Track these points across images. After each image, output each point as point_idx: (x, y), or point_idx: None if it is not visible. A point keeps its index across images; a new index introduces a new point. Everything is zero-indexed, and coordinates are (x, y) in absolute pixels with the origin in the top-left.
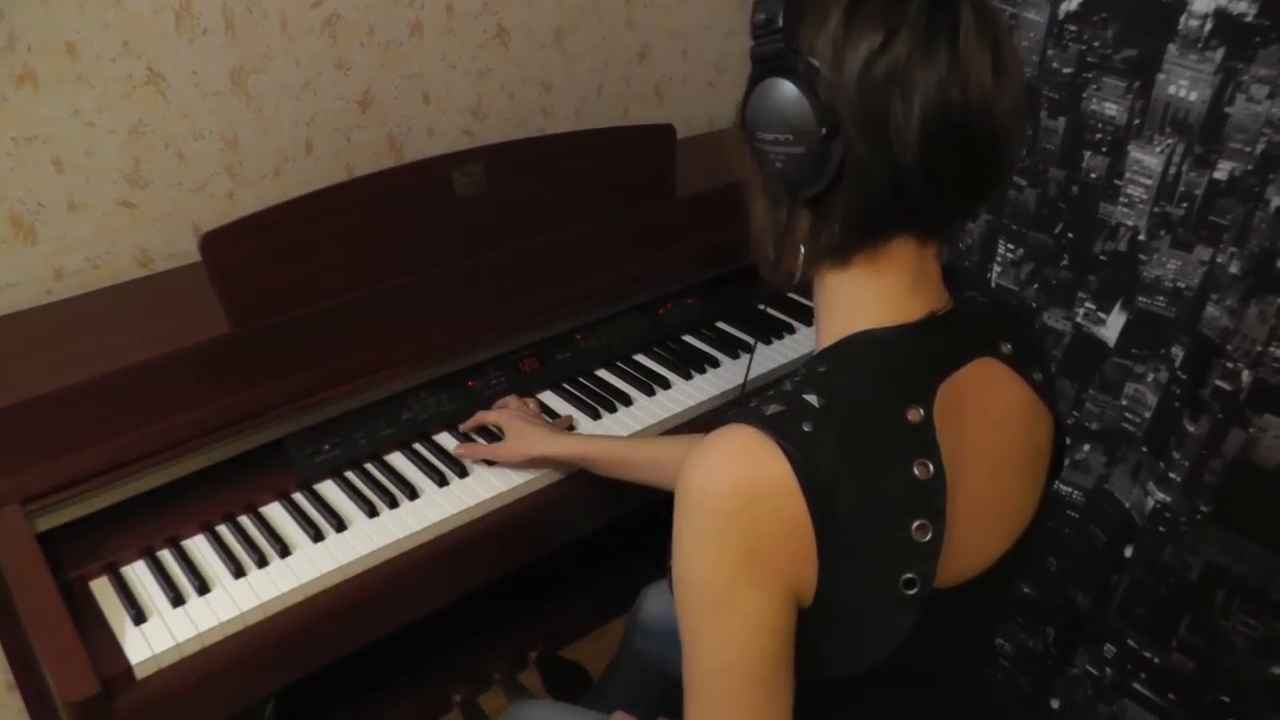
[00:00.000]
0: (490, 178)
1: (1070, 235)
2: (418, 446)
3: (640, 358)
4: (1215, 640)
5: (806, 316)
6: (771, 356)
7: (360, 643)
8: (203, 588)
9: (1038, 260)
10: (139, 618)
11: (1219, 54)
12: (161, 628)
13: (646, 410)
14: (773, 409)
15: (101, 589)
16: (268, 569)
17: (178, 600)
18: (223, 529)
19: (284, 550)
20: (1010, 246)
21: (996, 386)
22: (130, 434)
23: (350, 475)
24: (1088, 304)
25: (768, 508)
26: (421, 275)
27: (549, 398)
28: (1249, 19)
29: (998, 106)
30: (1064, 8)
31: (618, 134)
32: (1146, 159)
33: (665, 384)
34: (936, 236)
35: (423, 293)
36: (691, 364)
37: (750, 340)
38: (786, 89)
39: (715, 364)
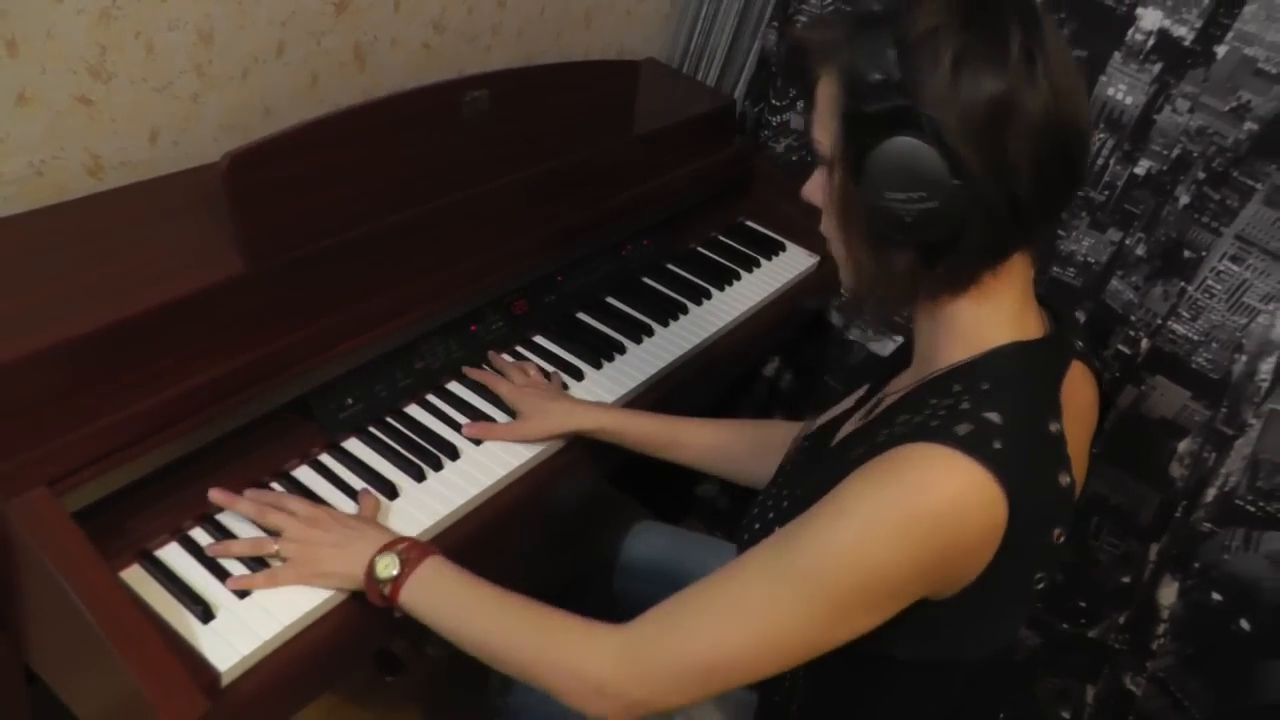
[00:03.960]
0: (495, 106)
1: None
2: (432, 398)
3: (613, 301)
4: (1084, 557)
5: (747, 261)
6: (729, 301)
7: None
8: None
9: None
10: (207, 614)
11: (1156, 68)
12: (238, 624)
13: (644, 360)
14: (964, 429)
15: (140, 581)
16: None
17: (243, 592)
18: None
19: None
20: None
21: (1081, 384)
22: (146, 397)
23: (376, 432)
24: None
25: (974, 523)
26: (429, 207)
27: (548, 344)
28: (1186, 42)
29: (1082, 111)
30: None
31: (602, 67)
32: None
33: (649, 331)
34: (1037, 247)
35: (430, 227)
36: (666, 311)
37: (706, 286)
38: (916, 148)
39: (685, 310)
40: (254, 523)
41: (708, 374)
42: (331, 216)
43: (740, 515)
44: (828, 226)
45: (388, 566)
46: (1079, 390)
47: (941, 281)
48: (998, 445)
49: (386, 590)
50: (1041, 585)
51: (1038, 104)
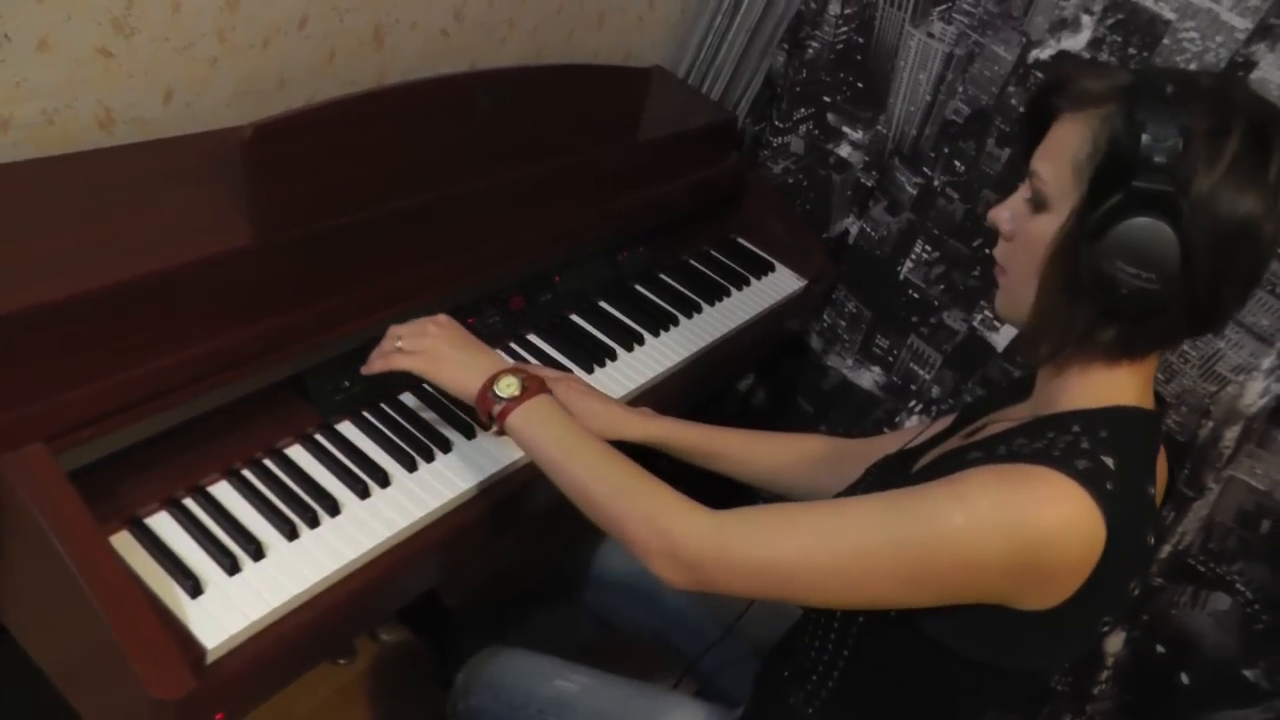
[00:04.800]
0: (511, 101)
1: (987, 250)
2: (429, 387)
3: (607, 306)
4: None
5: (736, 278)
6: (717, 317)
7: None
8: (257, 552)
9: (951, 265)
10: (196, 589)
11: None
12: (225, 602)
13: (633, 368)
14: (1083, 465)
15: (128, 548)
16: (319, 530)
17: (234, 568)
18: (248, 474)
19: (333, 508)
20: (927, 248)
21: (1161, 464)
22: (147, 361)
23: (369, 416)
24: (986, 312)
25: (1075, 549)
26: (439, 196)
27: (541, 344)
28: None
29: None
30: (1035, 54)
31: (617, 74)
32: None
33: (640, 339)
34: None
35: (438, 216)
36: (657, 321)
37: (697, 300)
38: (1165, 235)
39: (675, 322)
40: (248, 499)
41: (692, 387)
42: (344, 197)
43: None
44: (1019, 261)
45: (510, 386)
46: (1161, 467)
47: (1108, 344)
48: (1110, 486)
49: (497, 409)
50: (1106, 629)
51: (1273, 231)
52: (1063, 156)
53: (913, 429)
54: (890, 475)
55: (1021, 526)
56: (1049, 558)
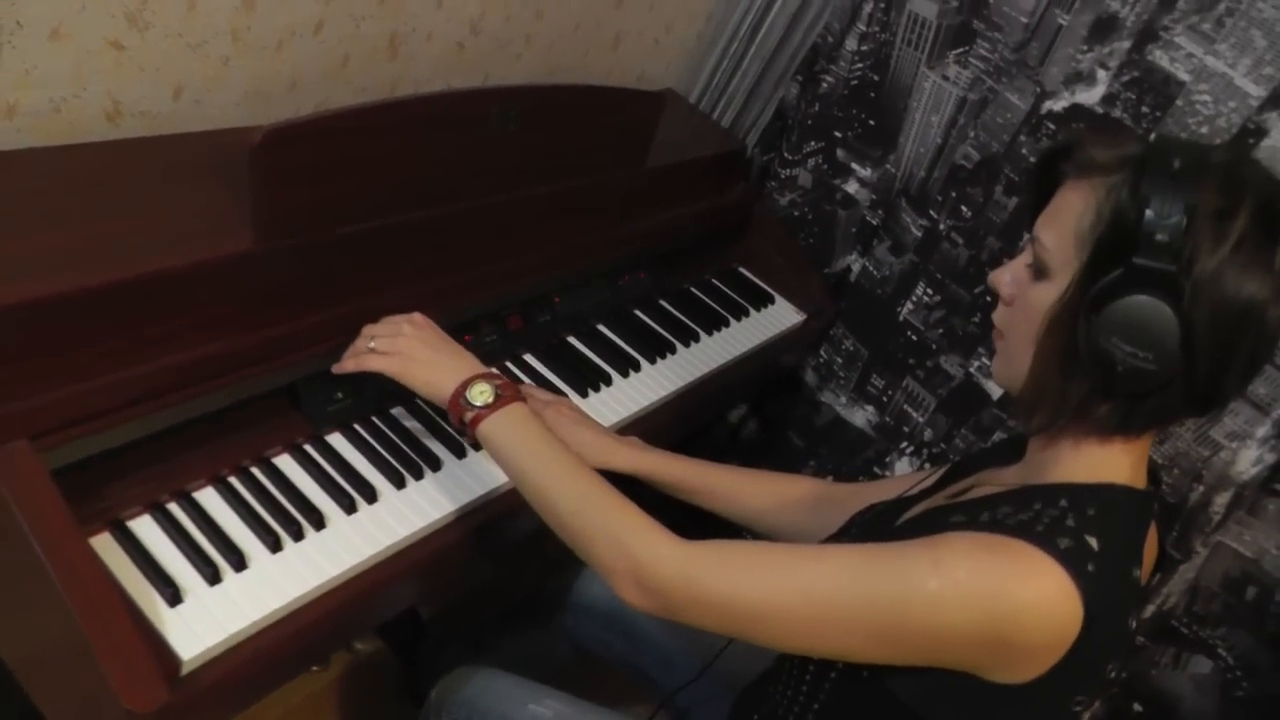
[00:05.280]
0: (523, 119)
1: (989, 299)
2: (420, 403)
3: (605, 330)
4: None
5: (736, 309)
6: (714, 347)
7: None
8: (239, 563)
9: (950, 310)
10: (175, 598)
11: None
12: (203, 613)
13: (628, 394)
14: (1065, 544)
15: (108, 550)
16: (303, 544)
17: (215, 578)
18: (235, 482)
19: (319, 522)
20: (929, 291)
21: (1151, 544)
22: (139, 363)
23: (360, 430)
24: (984, 358)
25: (1050, 629)
26: (445, 211)
27: (537, 365)
28: None
29: None
30: (1048, 105)
31: (632, 97)
32: None
33: (636, 366)
34: None
35: (442, 231)
36: (654, 348)
37: (695, 329)
38: (1164, 315)
39: (673, 350)
40: (233, 508)
41: (685, 417)
42: (349, 207)
43: None
44: (1017, 328)
45: (483, 393)
46: (1150, 547)
47: (1102, 419)
48: (1091, 568)
49: (469, 416)
50: (1080, 708)
51: (1278, 315)
52: (1066, 224)
53: (900, 479)
54: (874, 527)
55: (995, 599)
56: (1021, 634)
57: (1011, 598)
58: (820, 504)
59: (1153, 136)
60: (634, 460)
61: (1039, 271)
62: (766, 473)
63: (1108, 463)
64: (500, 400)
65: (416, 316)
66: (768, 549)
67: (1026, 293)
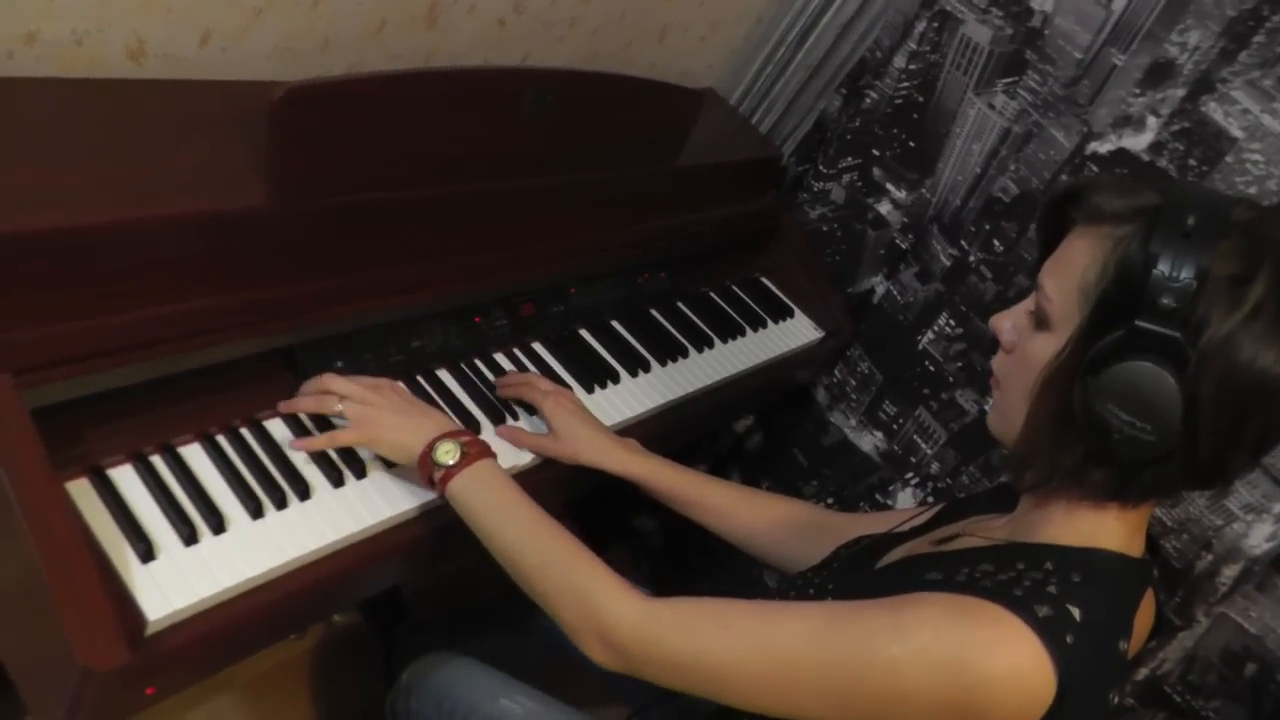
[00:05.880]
0: (559, 104)
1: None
2: (420, 380)
3: (618, 326)
4: None
5: (754, 319)
6: (728, 356)
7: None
8: (219, 525)
9: (971, 344)
10: (148, 554)
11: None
12: (175, 574)
13: (634, 395)
14: (1044, 612)
15: (85, 497)
16: (286, 513)
17: (191, 538)
18: (222, 440)
19: (304, 492)
20: (951, 322)
21: (1146, 610)
22: (136, 309)
23: None
24: None
25: (1016, 702)
26: (467, 189)
27: (545, 355)
28: None
29: None
30: (1093, 146)
31: (671, 93)
32: None
33: (646, 366)
34: None
35: (462, 209)
36: (667, 350)
37: (710, 334)
38: (1165, 384)
39: (685, 354)
40: (218, 467)
41: (689, 424)
42: (370, 174)
43: (672, 559)
44: (1014, 378)
45: (449, 453)
46: (1144, 616)
47: (1096, 484)
48: (1069, 640)
49: (438, 475)
50: None
51: None
52: (1070, 275)
53: (893, 514)
54: (854, 566)
55: (959, 667)
56: (984, 705)
57: (977, 667)
58: (812, 532)
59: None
60: (628, 463)
61: (1040, 321)
62: (761, 493)
63: (1101, 527)
64: (466, 459)
65: (383, 382)
66: (729, 608)
67: (1026, 343)
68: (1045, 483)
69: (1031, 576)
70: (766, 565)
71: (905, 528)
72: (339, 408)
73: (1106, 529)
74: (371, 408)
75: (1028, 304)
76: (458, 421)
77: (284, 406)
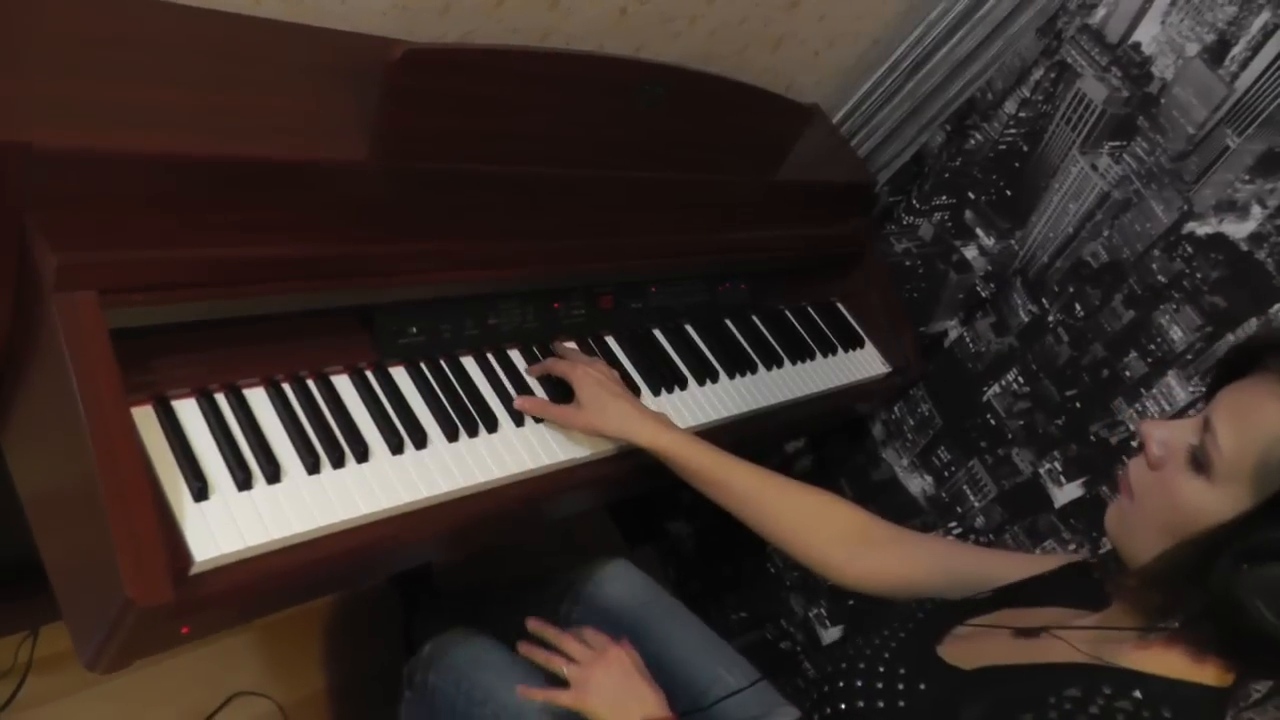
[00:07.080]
0: (669, 101)
1: (1078, 405)
2: (490, 357)
3: (691, 332)
4: None
5: (825, 344)
6: (794, 378)
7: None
8: (274, 475)
9: (1037, 404)
10: (201, 493)
11: None
12: (227, 518)
13: (698, 403)
14: None
15: (148, 424)
16: (341, 472)
17: (245, 483)
18: (288, 389)
19: (362, 454)
20: (1020, 379)
21: None
22: (225, 246)
23: (425, 370)
24: (1057, 464)
25: None
26: (567, 174)
27: (616, 350)
28: None
29: None
30: (1191, 226)
31: (782, 105)
32: (1177, 389)
33: (714, 376)
34: None
35: (560, 193)
36: (736, 363)
37: (781, 354)
38: None
39: (754, 369)
40: (280, 416)
41: (746, 442)
42: (474, 146)
43: (703, 567)
44: (1153, 505)
45: None
46: None
47: (1206, 641)
48: None
49: None
50: None
51: None
52: (1253, 436)
53: (937, 542)
54: (921, 638)
55: None
56: None
57: None
58: (853, 539)
59: None
60: (656, 436)
61: (1199, 465)
62: (797, 484)
63: (1197, 666)
64: None
65: (611, 648)
66: None
67: (1176, 475)
68: (1152, 623)
69: (1120, 707)
70: (794, 564)
71: (975, 596)
72: (565, 670)
73: (1201, 668)
74: (590, 679)
75: (1188, 433)
76: (667, 708)
77: (525, 693)
